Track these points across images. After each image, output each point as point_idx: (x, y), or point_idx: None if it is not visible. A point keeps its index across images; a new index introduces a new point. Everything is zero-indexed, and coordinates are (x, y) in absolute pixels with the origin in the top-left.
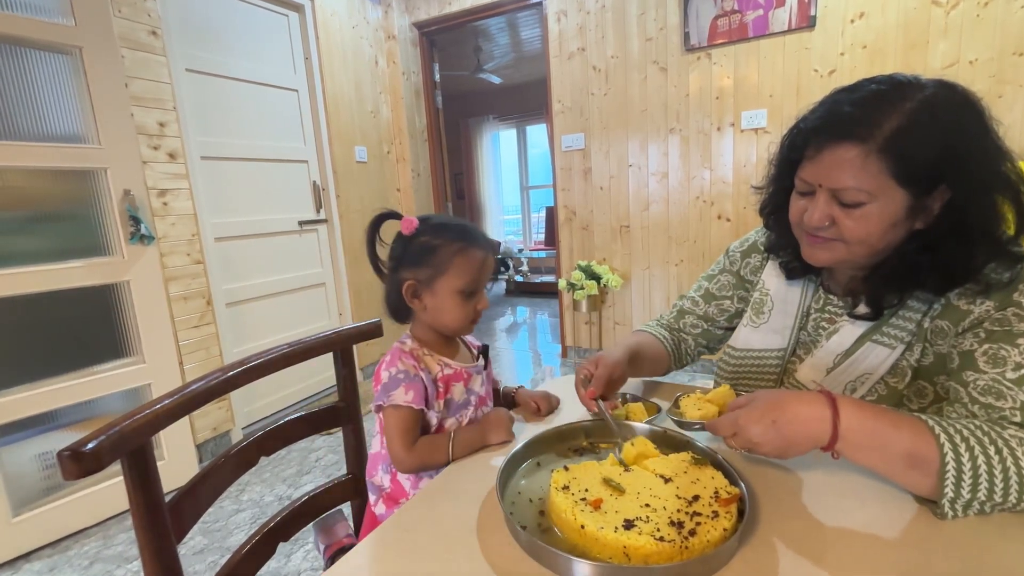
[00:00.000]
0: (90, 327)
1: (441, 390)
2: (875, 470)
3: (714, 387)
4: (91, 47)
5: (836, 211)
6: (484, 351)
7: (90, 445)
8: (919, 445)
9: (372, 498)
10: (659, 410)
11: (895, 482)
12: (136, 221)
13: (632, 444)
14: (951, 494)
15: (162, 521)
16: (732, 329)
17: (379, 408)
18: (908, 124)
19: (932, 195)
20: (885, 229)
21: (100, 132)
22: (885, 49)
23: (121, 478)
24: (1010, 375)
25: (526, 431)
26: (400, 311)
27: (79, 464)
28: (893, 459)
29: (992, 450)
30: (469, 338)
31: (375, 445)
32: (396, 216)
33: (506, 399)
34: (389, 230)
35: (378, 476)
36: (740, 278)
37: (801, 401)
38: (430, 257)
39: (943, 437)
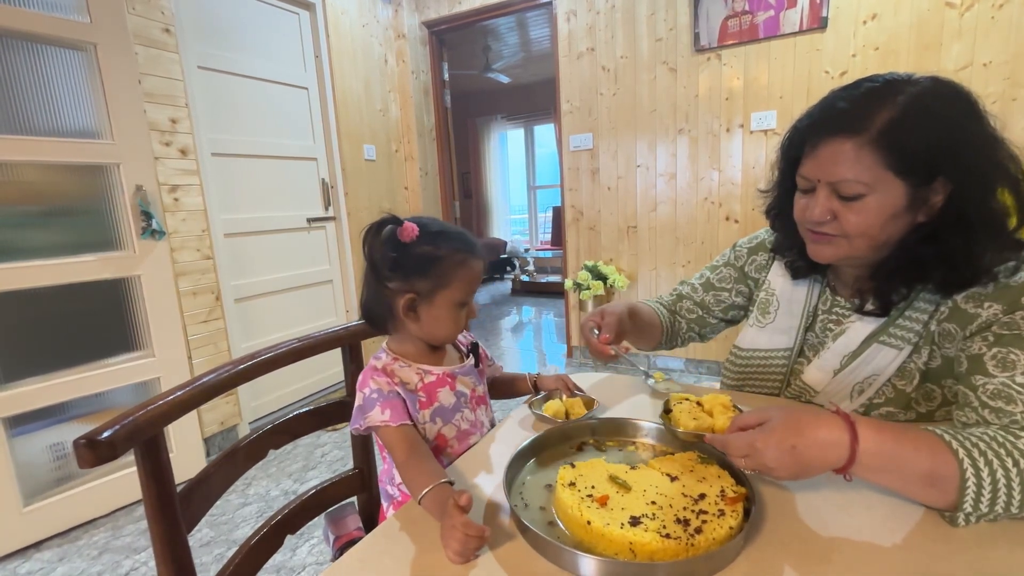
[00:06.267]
0: (101, 321)
1: (424, 399)
2: (889, 488)
3: (720, 388)
4: (105, 44)
5: (836, 205)
6: (474, 348)
7: (105, 434)
8: (938, 465)
9: (384, 505)
10: (596, 403)
11: (909, 498)
12: (147, 216)
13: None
14: (969, 508)
15: (173, 511)
16: (727, 321)
17: (355, 431)
18: (900, 116)
19: (931, 187)
20: (885, 221)
21: (113, 128)
22: (898, 50)
23: (129, 470)
24: (1019, 379)
25: (532, 429)
26: (378, 320)
27: (94, 452)
28: (911, 480)
29: (1010, 462)
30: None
31: (381, 460)
32: (397, 222)
33: (521, 386)
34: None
35: (388, 486)
36: (743, 274)
37: (820, 425)
38: (432, 268)
39: (962, 452)
